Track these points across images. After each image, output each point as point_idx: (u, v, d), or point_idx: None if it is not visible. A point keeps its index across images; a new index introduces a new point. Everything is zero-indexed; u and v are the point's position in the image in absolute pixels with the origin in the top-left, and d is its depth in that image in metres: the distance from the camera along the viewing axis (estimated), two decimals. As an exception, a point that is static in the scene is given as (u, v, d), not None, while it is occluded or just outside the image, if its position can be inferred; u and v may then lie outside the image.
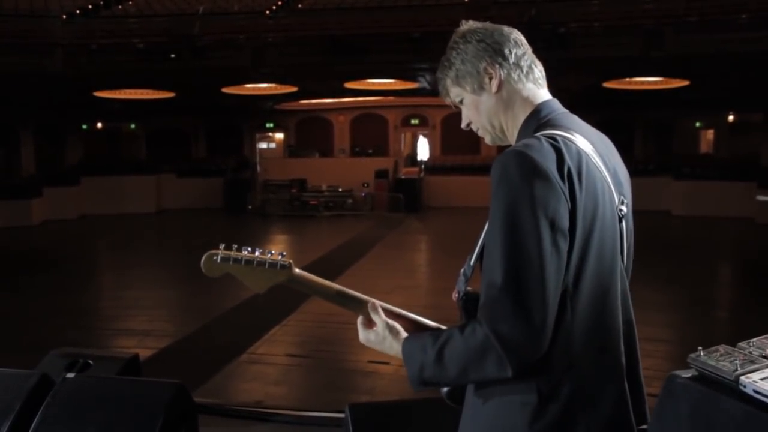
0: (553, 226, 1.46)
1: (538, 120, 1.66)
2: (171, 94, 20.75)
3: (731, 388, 2.32)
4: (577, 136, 1.59)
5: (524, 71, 1.70)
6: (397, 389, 6.20)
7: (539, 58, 1.75)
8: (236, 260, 1.72)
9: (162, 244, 17.97)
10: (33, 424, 3.13)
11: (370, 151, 26.44)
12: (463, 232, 15.79)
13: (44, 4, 19.46)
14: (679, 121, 24.66)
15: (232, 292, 10.11)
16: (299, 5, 19.42)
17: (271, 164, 26.30)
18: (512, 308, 1.44)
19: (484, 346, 1.47)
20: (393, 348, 1.70)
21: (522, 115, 1.69)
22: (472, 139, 23.87)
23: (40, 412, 3.17)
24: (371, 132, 27.18)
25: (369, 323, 1.75)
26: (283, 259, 1.73)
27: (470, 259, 1.63)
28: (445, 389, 1.76)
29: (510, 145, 1.67)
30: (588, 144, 1.60)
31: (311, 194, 23.69)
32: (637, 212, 1.73)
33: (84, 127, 25.50)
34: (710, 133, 25.45)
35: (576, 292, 1.52)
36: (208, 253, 1.72)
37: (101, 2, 19.65)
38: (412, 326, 1.74)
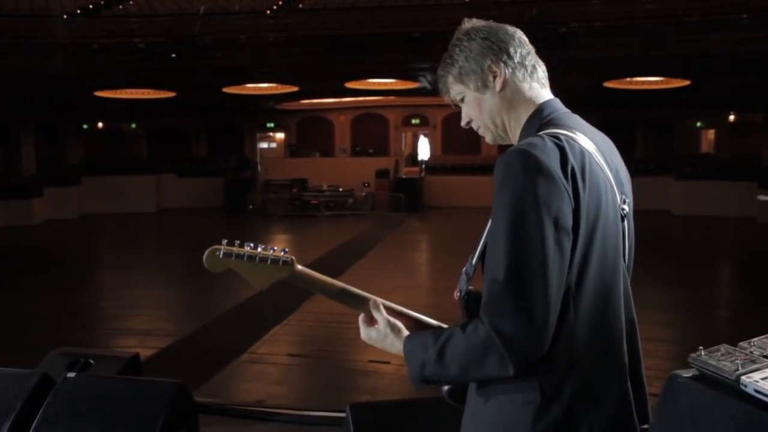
0: (557, 225, 1.46)
1: (540, 119, 1.65)
2: (172, 94, 20.76)
3: (732, 388, 2.32)
4: (580, 135, 1.59)
5: (528, 70, 1.69)
6: (397, 389, 6.20)
7: (540, 57, 1.75)
8: (238, 256, 1.71)
9: (163, 244, 17.98)
10: (34, 423, 3.14)
11: (371, 150, 26.44)
12: (463, 231, 15.78)
13: (45, 3, 19.47)
14: (680, 121, 24.66)
15: (232, 292, 10.11)
16: (300, 5, 19.42)
17: (272, 164, 26.30)
18: (514, 307, 1.44)
19: (486, 345, 1.47)
20: (394, 346, 1.69)
21: (525, 115, 1.69)
22: (472, 138, 23.92)
23: (40, 411, 3.17)
24: (372, 132, 27.18)
25: (371, 321, 1.75)
26: (285, 255, 1.72)
27: (472, 258, 1.63)
28: (446, 388, 1.76)
29: (511, 144, 1.67)
30: (590, 143, 1.60)
31: (312, 194, 23.69)
32: (637, 212, 1.73)
33: (85, 126, 25.51)
34: (711, 133, 25.45)
35: (579, 291, 1.52)
36: (210, 249, 1.71)
37: (102, 2, 19.66)
38: (414, 324, 1.73)
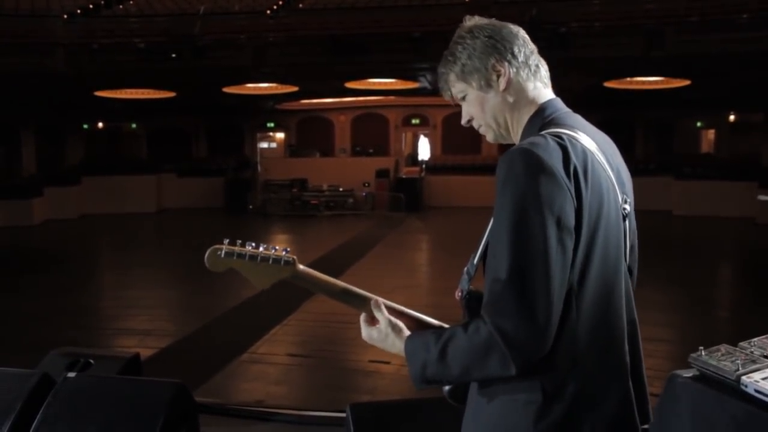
0: (559, 224, 1.46)
1: (542, 119, 1.65)
2: (172, 94, 20.76)
3: (732, 388, 2.32)
4: (582, 134, 1.59)
5: (532, 70, 1.69)
6: (398, 389, 6.20)
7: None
8: (240, 255, 1.71)
9: (163, 244, 17.98)
10: (34, 423, 3.13)
11: (371, 150, 26.44)
12: (463, 231, 15.79)
13: (45, 3, 19.47)
14: (680, 121, 24.66)
15: (233, 292, 10.11)
16: (300, 5, 19.42)
17: (272, 164, 26.31)
18: (517, 306, 1.43)
19: (488, 344, 1.46)
20: (395, 346, 1.69)
21: (527, 114, 1.68)
22: (473, 138, 23.94)
23: (41, 411, 3.17)
24: (372, 131, 27.18)
25: (372, 320, 1.75)
26: (287, 255, 1.72)
27: (473, 258, 1.63)
28: (447, 388, 1.75)
29: (513, 144, 1.67)
30: (592, 143, 1.59)
31: (312, 194, 23.69)
32: (637, 212, 1.73)
33: (85, 126, 25.51)
34: (711, 133, 25.46)
35: (581, 291, 1.51)
36: (212, 248, 1.71)
37: (102, 2, 19.66)
38: (415, 324, 1.73)
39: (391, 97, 25.17)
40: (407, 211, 22.29)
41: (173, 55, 17.34)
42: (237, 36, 17.97)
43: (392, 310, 1.73)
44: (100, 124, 25.94)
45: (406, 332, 1.69)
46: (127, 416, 3.16)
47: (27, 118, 21.94)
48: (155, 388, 3.32)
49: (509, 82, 1.67)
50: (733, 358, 2.42)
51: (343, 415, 3.22)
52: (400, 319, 1.72)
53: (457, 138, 25.04)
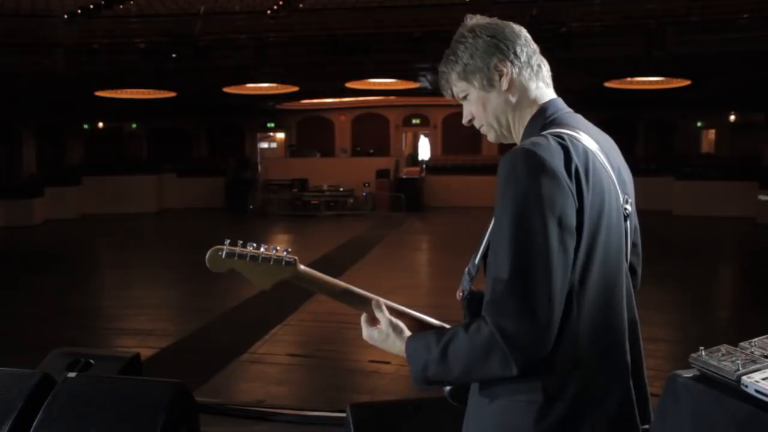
0: (561, 225, 1.46)
1: (544, 119, 1.65)
2: (172, 94, 20.77)
3: (733, 388, 2.32)
4: (583, 134, 1.59)
5: (534, 70, 1.69)
6: (398, 389, 6.20)
7: (541, 57, 1.75)
8: (241, 256, 1.71)
9: (163, 244, 17.98)
10: (34, 423, 3.13)
11: (371, 150, 26.46)
12: (464, 231, 15.78)
13: (45, 3, 19.47)
14: (681, 121, 24.68)
15: (233, 292, 10.11)
16: (300, 5, 19.41)
17: (272, 164, 26.32)
18: (518, 306, 1.43)
19: (489, 344, 1.46)
20: (396, 346, 1.69)
21: (528, 114, 1.68)
22: (473, 138, 23.98)
23: (41, 411, 3.17)
24: (372, 132, 27.19)
25: (373, 321, 1.75)
26: (288, 255, 1.72)
27: (474, 258, 1.63)
28: (448, 388, 1.75)
29: (514, 143, 1.67)
30: (593, 143, 1.59)
31: (312, 194, 23.69)
32: (638, 212, 1.73)
33: (85, 126, 25.54)
34: (711, 133, 25.47)
35: (582, 291, 1.51)
36: (213, 248, 1.71)
37: (102, 2, 19.65)
38: (416, 325, 1.73)
39: (392, 97, 25.18)
40: (407, 211, 22.29)
41: (174, 55, 17.33)
42: (237, 36, 17.97)
43: (393, 311, 1.73)
44: (101, 124, 25.96)
45: (407, 333, 1.69)
46: (128, 416, 3.15)
47: (27, 118, 21.96)
48: (155, 388, 3.32)
49: (512, 82, 1.66)
50: (734, 358, 2.41)
51: (343, 415, 3.22)
52: (401, 320, 1.72)
53: (458, 138, 25.07)
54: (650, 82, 19.15)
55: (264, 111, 26.56)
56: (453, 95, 1.75)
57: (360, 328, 1.76)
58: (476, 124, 1.76)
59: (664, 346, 7.45)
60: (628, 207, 1.64)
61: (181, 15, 19.03)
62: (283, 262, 1.71)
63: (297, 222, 21.33)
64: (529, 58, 1.68)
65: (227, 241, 1.72)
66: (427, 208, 23.50)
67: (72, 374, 3.42)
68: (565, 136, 1.55)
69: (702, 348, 2.54)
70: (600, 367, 1.54)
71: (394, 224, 20.13)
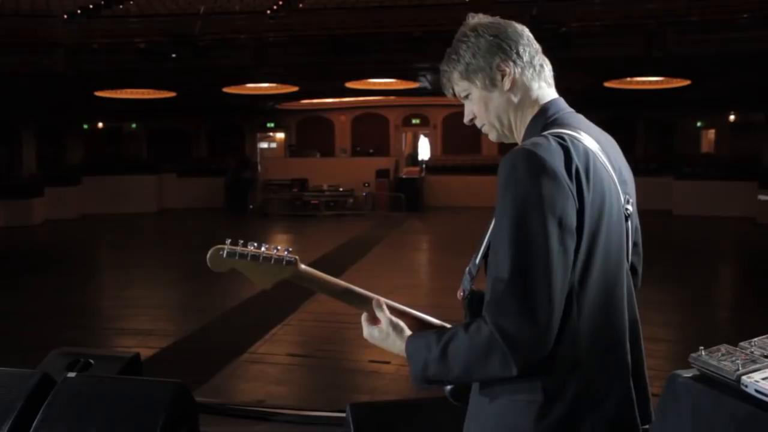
0: (561, 225, 1.46)
1: (545, 119, 1.65)
2: (172, 94, 20.77)
3: (733, 388, 2.32)
4: (584, 135, 1.59)
5: (536, 70, 1.69)
6: (398, 389, 6.20)
7: (541, 57, 1.75)
8: (242, 255, 1.71)
9: (163, 244, 17.97)
10: (34, 423, 3.13)
11: (371, 150, 26.46)
12: (464, 231, 15.77)
13: (45, 3, 19.46)
14: (681, 121, 24.67)
15: (233, 292, 10.11)
16: (300, 5, 19.41)
17: (272, 164, 26.32)
18: (518, 306, 1.43)
19: (489, 344, 1.46)
20: (396, 345, 1.69)
21: (530, 114, 1.68)
22: (473, 138, 23.98)
23: (41, 411, 3.17)
24: (372, 132, 27.19)
25: (373, 320, 1.75)
26: (288, 254, 1.72)
27: (475, 258, 1.63)
28: (449, 388, 1.75)
29: (515, 143, 1.67)
30: (594, 143, 1.59)
31: (312, 194, 23.69)
32: (638, 211, 1.73)
33: (85, 126, 25.54)
34: (711, 133, 25.47)
35: (582, 291, 1.52)
36: (214, 248, 1.71)
37: (102, 2, 19.64)
38: (417, 324, 1.73)
39: (392, 97, 25.18)
40: (407, 211, 22.29)
41: (173, 55, 17.33)
42: (237, 36, 17.96)
43: (394, 310, 1.73)
44: (101, 124, 25.96)
45: (408, 332, 1.69)
46: (128, 416, 3.16)
47: (27, 118, 21.95)
48: (155, 388, 3.32)
49: (514, 82, 1.66)
50: (734, 358, 2.42)
51: (343, 415, 3.22)
52: (402, 319, 1.72)
53: (458, 138, 25.07)
54: (650, 82, 19.15)
55: (264, 111, 26.56)
56: (454, 94, 1.75)
57: (360, 328, 1.76)
58: (477, 123, 1.75)
59: (663, 345, 7.45)
60: (630, 207, 1.64)
61: (181, 15, 19.02)
62: (284, 262, 1.71)
63: (297, 222, 21.33)
64: (532, 57, 1.68)
65: (228, 241, 1.72)
66: (427, 208, 23.49)
67: (72, 374, 3.42)
68: (566, 137, 1.55)
69: (702, 348, 2.54)
70: (600, 367, 1.54)
71: (394, 224, 20.12)
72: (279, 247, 1.72)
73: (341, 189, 23.72)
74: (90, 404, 3.22)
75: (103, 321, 9.62)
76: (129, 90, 20.42)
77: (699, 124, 25.19)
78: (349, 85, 20.66)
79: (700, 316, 9.37)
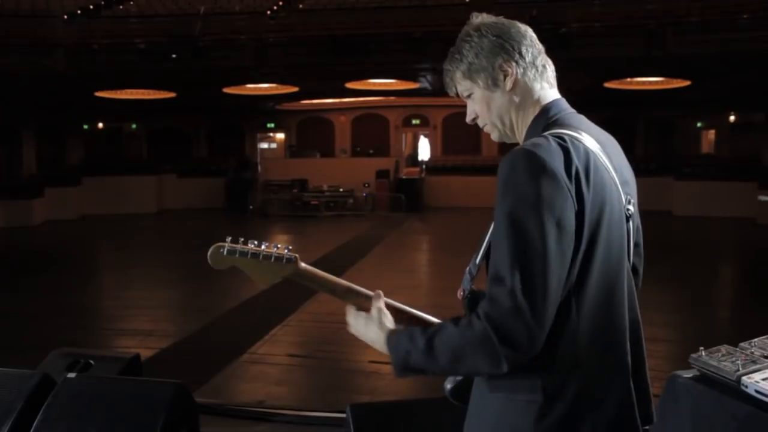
0: (559, 226, 1.46)
1: (546, 119, 1.65)
2: (172, 94, 20.77)
3: (733, 388, 2.32)
4: (585, 135, 1.59)
5: (539, 70, 1.69)
6: (398, 389, 6.20)
7: (542, 58, 1.75)
8: (243, 253, 1.71)
9: (163, 245, 17.97)
10: (34, 424, 3.13)
11: (371, 151, 26.45)
12: (464, 232, 15.77)
13: (45, 4, 19.47)
14: (681, 121, 24.67)
15: (233, 292, 10.11)
16: (300, 5, 19.42)
17: (272, 164, 26.32)
18: (513, 305, 1.43)
19: (481, 340, 1.46)
20: (378, 334, 1.69)
21: (532, 114, 1.69)
22: (473, 139, 23.98)
23: (41, 412, 3.17)
24: (372, 132, 27.19)
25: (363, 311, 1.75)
26: (289, 253, 1.72)
27: (476, 258, 1.63)
28: (449, 387, 1.76)
29: (517, 143, 1.67)
30: (595, 143, 1.60)
31: (312, 194, 23.69)
32: (639, 211, 1.73)
33: (85, 127, 25.54)
34: (711, 133, 25.46)
35: (582, 291, 1.52)
36: (215, 246, 1.71)
37: (102, 2, 19.65)
38: (415, 322, 1.74)
39: (392, 98, 25.19)
40: (407, 211, 22.28)
41: (173, 56, 17.34)
42: (237, 36, 17.98)
43: (392, 308, 1.74)
44: (101, 125, 25.96)
45: (392, 326, 1.69)
46: (128, 417, 3.16)
47: (27, 118, 21.94)
48: (155, 389, 3.32)
49: (516, 83, 1.67)
50: (734, 359, 2.42)
51: (343, 415, 3.22)
52: (401, 317, 1.73)
53: (458, 138, 25.06)
54: (650, 82, 19.15)
55: (264, 111, 26.56)
56: (457, 93, 1.75)
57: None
58: (480, 122, 1.76)
59: (664, 346, 7.45)
60: (631, 207, 1.65)
61: (181, 15, 19.03)
62: (285, 260, 1.72)
63: (297, 222, 21.33)
64: (534, 58, 1.68)
65: (229, 239, 1.72)
66: (427, 209, 23.49)
67: (72, 375, 3.42)
68: (567, 137, 1.55)
69: (702, 348, 2.54)
70: (600, 367, 1.54)
71: (394, 224, 20.12)
72: (279, 245, 1.72)
73: (341, 189, 23.72)
74: (90, 405, 3.22)
75: (103, 321, 9.62)
76: (129, 90, 20.43)
77: (699, 124, 25.19)
78: (349, 85, 20.66)
79: (700, 316, 9.37)
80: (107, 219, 21.27)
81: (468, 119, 1.78)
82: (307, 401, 6.22)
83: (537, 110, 1.68)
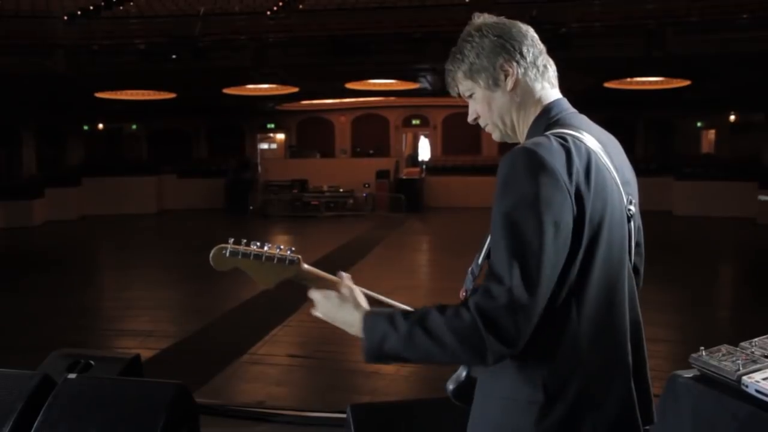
0: (556, 224, 1.46)
1: (548, 119, 1.66)
2: (172, 95, 20.77)
3: (733, 388, 2.32)
4: (586, 135, 1.59)
5: (540, 70, 1.70)
6: (398, 389, 6.20)
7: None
8: (245, 254, 1.71)
9: (163, 245, 17.97)
10: (34, 424, 3.13)
11: (371, 151, 26.45)
12: (464, 232, 15.77)
13: (45, 4, 19.48)
14: (681, 121, 24.67)
15: (233, 293, 10.11)
16: (300, 5, 19.42)
17: (272, 165, 26.31)
18: (507, 301, 1.43)
19: (468, 331, 1.45)
20: (353, 314, 1.64)
21: (533, 114, 1.69)
22: (473, 139, 23.98)
23: (41, 412, 3.17)
24: (372, 132, 27.19)
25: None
26: (291, 254, 1.72)
27: (478, 258, 1.63)
28: (452, 388, 1.75)
29: (518, 143, 1.67)
30: (597, 143, 1.60)
31: (312, 195, 23.69)
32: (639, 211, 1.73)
33: (85, 127, 25.54)
34: (711, 133, 25.46)
35: (583, 292, 1.52)
36: (217, 247, 1.71)
37: (102, 3, 19.66)
38: None
39: (392, 98, 25.19)
40: (407, 212, 22.28)
41: (173, 56, 17.34)
42: (237, 37, 17.98)
43: (365, 295, 1.72)
44: (101, 125, 25.96)
45: (368, 307, 1.66)
46: (128, 417, 3.16)
47: (27, 119, 21.95)
48: (156, 390, 3.32)
49: (517, 82, 1.67)
50: (734, 359, 2.42)
51: (344, 416, 3.22)
52: (374, 305, 1.70)
53: (458, 139, 25.06)
54: (650, 82, 19.15)
55: (264, 112, 26.56)
56: (459, 93, 1.76)
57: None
58: (481, 122, 1.76)
59: (664, 346, 7.45)
60: (632, 208, 1.65)
61: (181, 16, 19.04)
62: (287, 261, 1.71)
63: (297, 223, 21.33)
64: (535, 58, 1.69)
65: (231, 240, 1.72)
66: (427, 209, 23.49)
67: (72, 375, 3.42)
68: (568, 137, 1.55)
69: (702, 348, 2.54)
70: (601, 368, 1.54)
71: (394, 225, 20.12)
72: (282, 247, 1.72)
73: (341, 190, 23.72)
74: (90, 405, 3.22)
75: (104, 322, 9.61)
76: (129, 91, 20.43)
77: (699, 124, 25.18)
78: (349, 85, 20.66)
79: (701, 316, 9.37)
80: (107, 219, 21.27)
81: (470, 119, 1.79)
82: (307, 402, 6.22)
83: (538, 110, 1.68)
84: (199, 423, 3.52)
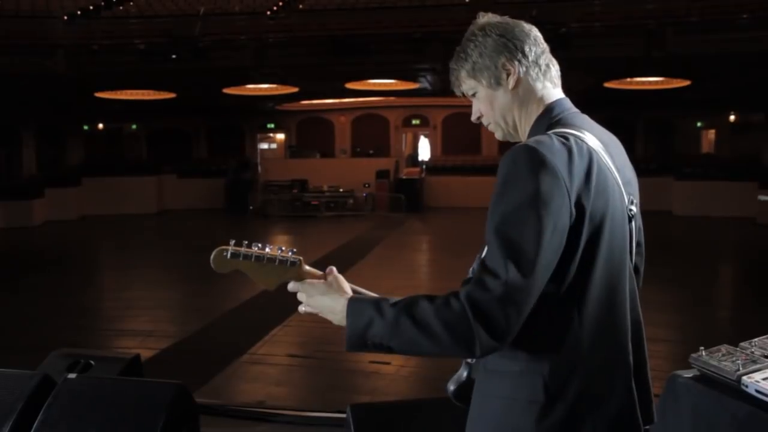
0: (554, 223, 1.46)
1: (550, 118, 1.66)
2: (172, 95, 20.77)
3: (733, 388, 2.32)
4: (588, 135, 1.60)
5: (542, 69, 1.70)
6: (398, 389, 6.20)
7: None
8: (246, 256, 1.70)
9: (163, 245, 17.97)
10: (34, 424, 3.14)
11: (371, 151, 26.45)
12: (464, 232, 15.78)
13: (45, 5, 19.48)
14: (681, 121, 24.67)
15: (233, 293, 10.11)
16: (300, 5, 19.42)
17: (272, 165, 26.31)
18: (503, 295, 1.43)
19: (457, 322, 1.44)
20: (338, 300, 1.62)
21: (535, 113, 1.69)
22: (473, 139, 23.99)
23: (41, 412, 3.17)
24: (372, 132, 27.19)
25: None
26: (292, 256, 1.71)
27: (479, 257, 1.63)
28: (452, 388, 1.75)
29: (517, 143, 1.68)
30: (598, 143, 1.60)
31: (312, 195, 23.69)
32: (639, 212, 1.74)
33: (85, 127, 25.54)
34: (711, 133, 25.46)
35: (584, 293, 1.52)
36: (218, 249, 1.70)
37: (102, 3, 19.66)
38: None
39: (391, 98, 25.19)
40: (407, 211, 22.29)
41: (173, 56, 17.34)
42: (237, 37, 17.98)
43: (359, 293, 1.70)
44: (101, 125, 25.96)
45: (352, 294, 1.65)
46: (128, 417, 3.16)
47: (27, 119, 21.95)
48: (156, 389, 3.32)
49: (518, 81, 1.68)
50: (734, 359, 2.42)
51: (344, 415, 3.22)
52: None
53: (458, 139, 25.07)
54: (650, 82, 19.15)
55: (264, 112, 26.56)
56: (462, 93, 1.76)
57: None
58: (484, 121, 1.77)
59: (664, 346, 7.45)
60: (633, 208, 1.65)
61: (181, 16, 19.04)
62: (288, 263, 1.71)
63: (297, 223, 21.33)
64: (538, 57, 1.69)
65: (232, 242, 1.71)
66: (427, 209, 23.49)
67: (72, 375, 3.42)
68: (570, 137, 1.55)
69: (702, 348, 2.54)
70: (601, 368, 1.54)
71: (394, 225, 20.12)
72: (283, 248, 1.71)
73: (341, 190, 23.72)
74: (90, 405, 3.22)
75: (104, 322, 9.62)
76: (129, 91, 20.43)
77: (699, 124, 25.19)
78: (349, 85, 20.67)
79: (700, 316, 9.37)
80: (107, 219, 21.27)
81: (473, 118, 1.79)
82: (307, 401, 6.22)
83: (540, 109, 1.69)
84: (199, 423, 3.52)
